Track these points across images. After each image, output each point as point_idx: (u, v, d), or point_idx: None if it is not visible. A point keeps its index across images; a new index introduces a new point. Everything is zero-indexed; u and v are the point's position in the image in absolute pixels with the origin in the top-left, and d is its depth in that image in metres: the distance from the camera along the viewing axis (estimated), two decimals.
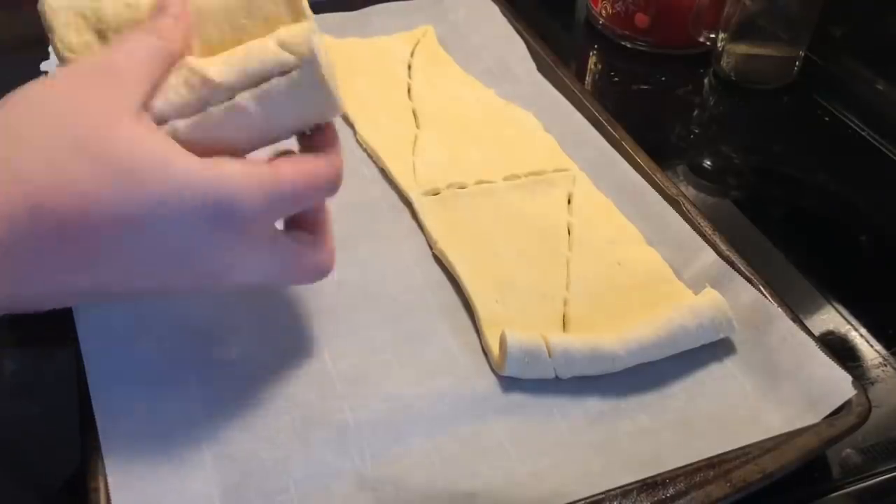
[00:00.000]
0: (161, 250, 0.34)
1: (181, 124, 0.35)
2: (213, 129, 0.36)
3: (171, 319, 0.46)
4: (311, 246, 0.40)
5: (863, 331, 0.51)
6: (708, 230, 0.53)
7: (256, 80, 0.36)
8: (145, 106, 0.34)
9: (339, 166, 0.39)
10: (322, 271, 0.41)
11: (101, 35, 0.43)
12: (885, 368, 0.49)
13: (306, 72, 0.36)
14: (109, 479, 0.38)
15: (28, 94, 0.33)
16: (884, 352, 0.50)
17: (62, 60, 0.41)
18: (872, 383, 0.48)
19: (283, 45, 0.36)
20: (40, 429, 0.44)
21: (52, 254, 0.32)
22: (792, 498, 0.41)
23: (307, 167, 0.37)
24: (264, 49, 0.36)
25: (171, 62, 0.36)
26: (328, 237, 0.41)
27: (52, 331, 0.44)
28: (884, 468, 0.43)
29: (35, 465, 0.43)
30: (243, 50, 0.36)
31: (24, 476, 0.43)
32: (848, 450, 0.43)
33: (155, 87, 0.35)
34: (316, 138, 0.39)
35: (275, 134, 0.38)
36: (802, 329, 0.46)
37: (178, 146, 0.34)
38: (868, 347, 0.50)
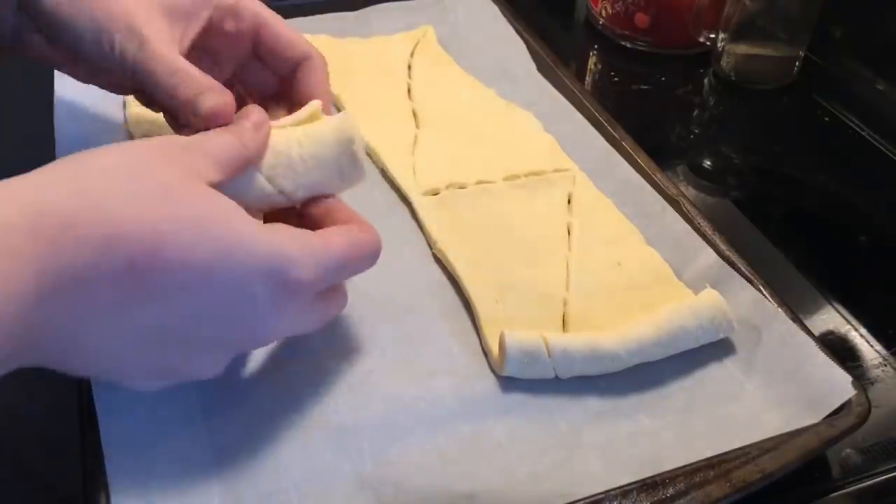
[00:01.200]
0: (219, 301, 0.34)
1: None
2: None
3: None
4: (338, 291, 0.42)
5: (863, 331, 0.51)
6: (708, 230, 0.53)
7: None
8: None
9: (379, 238, 0.40)
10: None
11: None
12: (885, 368, 0.49)
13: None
14: (109, 479, 0.38)
15: (112, 147, 0.35)
16: (884, 352, 0.50)
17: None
18: (872, 383, 0.48)
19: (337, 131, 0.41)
20: (40, 429, 0.44)
21: (114, 288, 0.32)
22: (792, 498, 0.41)
23: (354, 238, 0.39)
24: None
25: (242, 164, 0.38)
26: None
27: None
28: (884, 468, 0.43)
29: (36, 466, 0.43)
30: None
31: (24, 476, 0.43)
32: (848, 450, 0.43)
33: (222, 179, 0.37)
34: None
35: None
36: (802, 329, 0.46)
37: (242, 210, 0.36)
38: (868, 347, 0.50)
